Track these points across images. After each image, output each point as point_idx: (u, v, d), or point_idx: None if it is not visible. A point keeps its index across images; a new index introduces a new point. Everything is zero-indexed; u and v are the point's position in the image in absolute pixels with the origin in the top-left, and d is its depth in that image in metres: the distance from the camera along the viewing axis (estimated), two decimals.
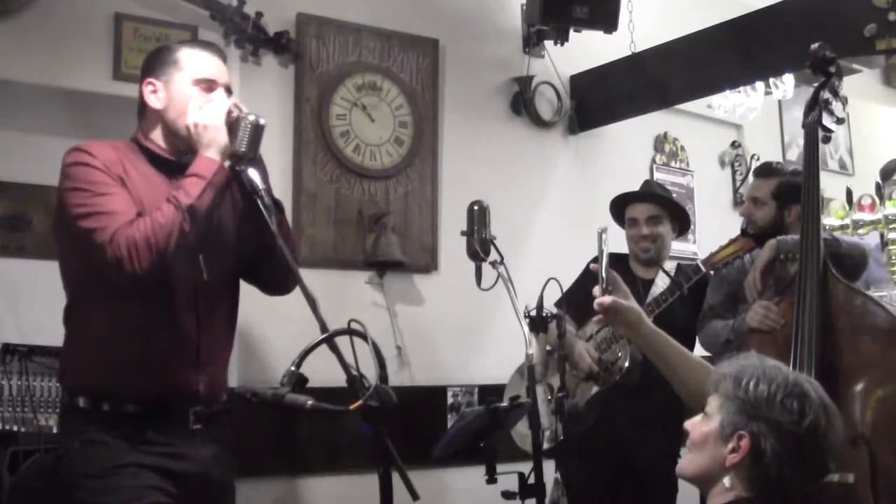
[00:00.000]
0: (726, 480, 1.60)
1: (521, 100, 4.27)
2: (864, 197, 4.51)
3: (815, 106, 2.58)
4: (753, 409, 1.56)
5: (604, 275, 1.91)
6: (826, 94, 2.57)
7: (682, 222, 3.56)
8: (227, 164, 2.09)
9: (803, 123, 2.61)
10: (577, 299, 2.83)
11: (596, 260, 1.94)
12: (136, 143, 2.16)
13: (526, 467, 2.28)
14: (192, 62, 2.15)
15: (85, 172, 2.00)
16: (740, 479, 1.58)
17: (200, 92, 2.12)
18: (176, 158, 2.13)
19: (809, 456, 1.56)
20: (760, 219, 3.17)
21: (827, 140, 2.59)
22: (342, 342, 1.81)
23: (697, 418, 1.67)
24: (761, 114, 5.04)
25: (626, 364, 3.24)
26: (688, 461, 1.68)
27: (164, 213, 1.96)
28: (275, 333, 3.41)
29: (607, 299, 1.90)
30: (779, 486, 1.56)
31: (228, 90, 2.18)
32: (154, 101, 2.13)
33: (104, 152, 2.04)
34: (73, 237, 2.00)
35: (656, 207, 3.48)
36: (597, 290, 1.92)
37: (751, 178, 5.03)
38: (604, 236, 1.95)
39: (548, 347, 2.53)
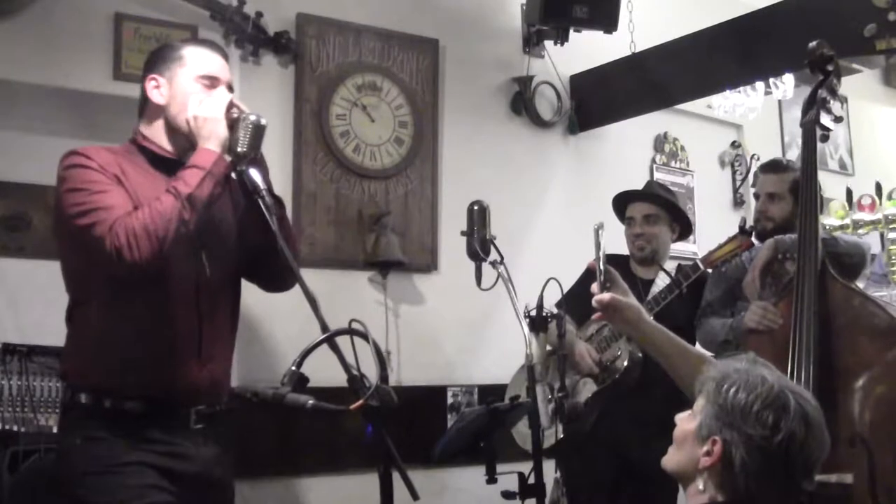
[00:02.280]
0: (700, 483, 1.59)
1: (521, 100, 4.27)
2: (864, 197, 4.52)
3: (813, 105, 2.57)
4: (728, 417, 1.54)
5: (601, 269, 1.90)
6: (824, 93, 2.57)
7: (682, 224, 3.56)
8: (227, 158, 2.09)
9: (801, 122, 2.60)
10: (578, 299, 2.83)
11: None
12: (135, 145, 2.16)
13: (526, 467, 2.28)
14: (196, 59, 2.16)
15: (81, 173, 2.02)
16: (713, 483, 1.57)
17: (203, 88, 2.14)
18: (177, 157, 2.13)
19: (777, 474, 1.53)
20: (778, 214, 3.13)
21: (825, 139, 2.58)
22: (343, 342, 1.82)
23: (685, 413, 1.66)
24: (761, 114, 5.04)
25: (626, 363, 3.24)
26: (669, 455, 1.68)
27: (163, 202, 1.97)
28: (275, 333, 3.41)
29: (606, 296, 1.89)
30: (747, 497, 1.54)
31: (230, 88, 2.19)
32: (157, 96, 2.15)
33: (100, 154, 2.06)
34: (73, 236, 2.01)
35: (653, 207, 3.49)
36: (595, 286, 1.91)
37: (751, 177, 5.05)
38: (600, 232, 1.94)
39: (548, 347, 2.53)
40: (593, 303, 1.90)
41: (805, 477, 1.55)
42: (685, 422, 1.65)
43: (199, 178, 2.02)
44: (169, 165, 2.12)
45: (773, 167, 3.26)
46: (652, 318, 2.01)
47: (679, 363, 1.88)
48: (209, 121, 2.08)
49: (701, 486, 1.58)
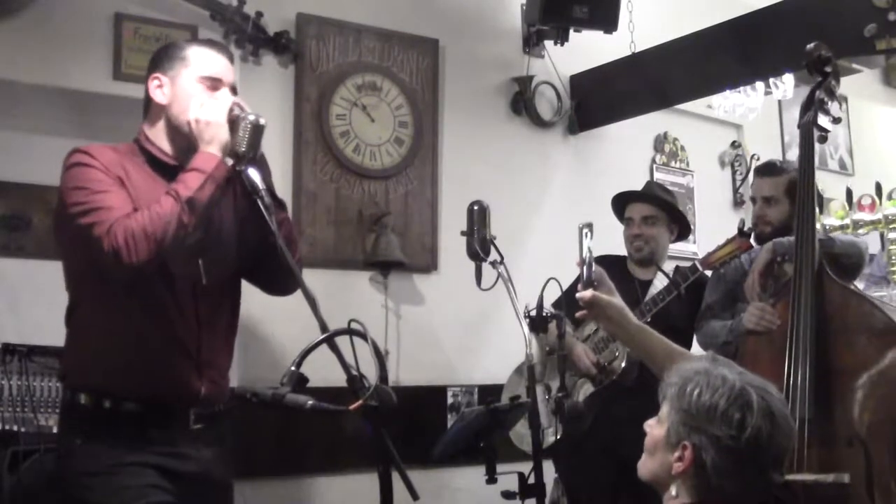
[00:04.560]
0: (673, 489, 1.60)
1: (521, 100, 4.28)
2: (864, 197, 4.52)
3: (811, 106, 2.57)
4: (694, 421, 1.55)
5: (585, 271, 1.94)
6: (822, 94, 2.57)
7: (681, 225, 3.56)
8: (228, 162, 2.09)
9: (799, 123, 2.61)
10: (572, 299, 2.83)
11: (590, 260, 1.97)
12: (138, 145, 2.16)
13: (526, 467, 2.28)
14: (200, 59, 2.15)
15: (84, 172, 2.01)
16: (686, 488, 1.58)
17: (205, 90, 2.12)
18: (177, 161, 2.12)
19: (748, 471, 1.54)
20: (776, 217, 3.12)
21: (823, 140, 2.58)
22: (342, 342, 1.82)
23: (654, 420, 1.67)
24: (761, 114, 5.04)
25: (624, 364, 3.24)
26: (642, 464, 1.69)
27: (163, 204, 1.96)
28: (275, 333, 3.41)
29: (587, 293, 1.94)
30: (722, 497, 1.55)
31: (234, 90, 2.18)
32: (159, 95, 2.14)
33: (104, 154, 2.05)
34: (73, 235, 2.01)
35: (652, 208, 3.49)
36: (580, 285, 1.96)
37: (751, 177, 5.05)
38: (585, 232, 1.97)
39: (547, 348, 2.53)
40: (577, 298, 1.96)
41: (775, 470, 1.57)
42: (654, 429, 1.66)
43: (199, 181, 2.01)
44: (169, 170, 2.11)
45: (768, 170, 3.24)
46: (649, 319, 2.04)
47: (664, 363, 1.89)
48: (211, 125, 2.06)
49: (674, 492, 1.60)
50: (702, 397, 1.55)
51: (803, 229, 2.45)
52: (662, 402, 1.65)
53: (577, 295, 1.94)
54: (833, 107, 2.59)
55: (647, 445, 1.67)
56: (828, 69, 2.59)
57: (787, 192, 3.09)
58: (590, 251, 1.95)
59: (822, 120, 2.56)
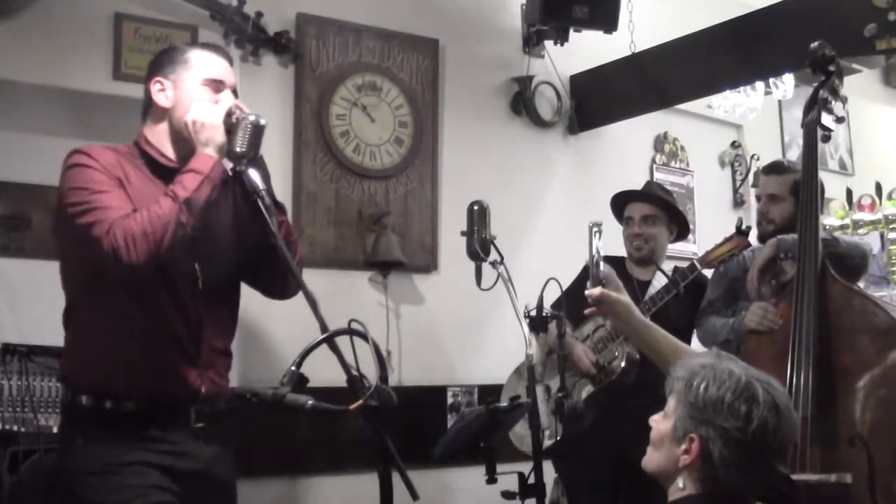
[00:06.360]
0: (680, 481, 1.62)
1: (521, 100, 4.28)
2: (864, 197, 4.52)
3: (815, 105, 2.57)
4: (701, 414, 1.57)
5: (594, 268, 1.97)
6: (825, 94, 2.57)
7: (680, 225, 3.56)
8: (228, 165, 2.09)
9: (802, 122, 2.61)
10: (574, 297, 2.83)
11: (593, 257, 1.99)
12: (138, 148, 2.16)
13: (526, 467, 2.28)
14: (202, 62, 2.15)
15: (84, 173, 2.02)
16: (692, 480, 1.61)
17: (209, 92, 2.13)
18: (177, 164, 2.12)
19: (755, 463, 1.57)
20: (778, 215, 3.12)
21: (826, 139, 2.58)
22: (342, 342, 1.82)
23: (660, 415, 1.70)
24: (761, 114, 5.04)
25: (623, 364, 3.24)
26: (648, 457, 1.71)
27: (162, 205, 1.97)
28: (275, 333, 3.41)
29: (596, 290, 1.96)
30: (728, 488, 1.58)
31: (235, 92, 2.18)
32: (162, 99, 2.14)
33: (104, 155, 2.06)
34: (73, 235, 2.01)
35: (652, 208, 3.49)
36: (589, 283, 1.97)
37: (751, 177, 5.06)
38: (595, 230, 1.98)
39: (546, 348, 2.53)
40: (586, 296, 1.97)
41: (780, 461, 1.59)
42: (660, 423, 1.68)
43: (197, 182, 2.01)
44: (167, 173, 2.11)
45: (774, 169, 3.26)
46: (648, 318, 2.06)
47: (670, 360, 1.90)
48: (207, 127, 2.07)
49: (681, 485, 1.62)
50: (708, 390, 1.58)
51: (806, 228, 2.45)
52: (669, 396, 1.67)
53: (587, 292, 1.96)
54: (836, 106, 2.59)
55: (652, 439, 1.69)
56: (831, 68, 2.59)
57: (792, 191, 3.09)
58: (598, 249, 1.97)
59: (826, 119, 2.56)
